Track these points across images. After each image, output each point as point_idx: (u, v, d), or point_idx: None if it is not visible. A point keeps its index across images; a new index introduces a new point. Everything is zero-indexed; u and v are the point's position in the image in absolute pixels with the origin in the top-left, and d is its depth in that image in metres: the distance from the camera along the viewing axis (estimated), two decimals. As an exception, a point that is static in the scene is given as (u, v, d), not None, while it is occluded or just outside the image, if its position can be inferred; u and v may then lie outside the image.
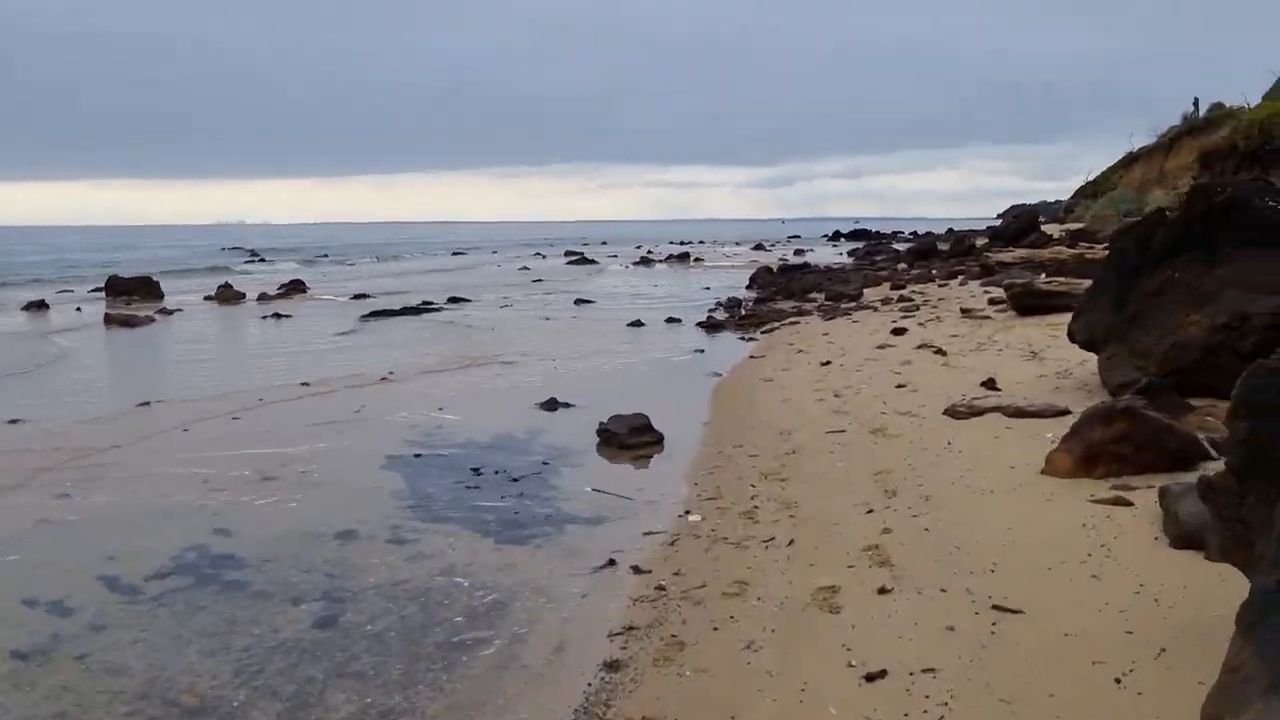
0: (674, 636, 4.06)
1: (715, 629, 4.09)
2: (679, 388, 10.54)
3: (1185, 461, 5.19)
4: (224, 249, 63.34)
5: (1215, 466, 5.33)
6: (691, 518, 5.71)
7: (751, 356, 12.26)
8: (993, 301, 13.93)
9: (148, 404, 9.76)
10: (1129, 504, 4.77)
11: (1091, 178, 46.92)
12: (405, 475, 7.00)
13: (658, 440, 7.80)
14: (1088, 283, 11.50)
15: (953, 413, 7.35)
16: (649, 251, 49.14)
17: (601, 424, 7.97)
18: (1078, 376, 8.00)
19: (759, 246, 56.23)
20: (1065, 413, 6.76)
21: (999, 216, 62.54)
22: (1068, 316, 10.17)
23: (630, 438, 7.72)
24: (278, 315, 19.12)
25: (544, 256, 50.09)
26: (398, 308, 19.83)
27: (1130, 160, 42.33)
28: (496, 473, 7.01)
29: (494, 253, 58.52)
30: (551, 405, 9.42)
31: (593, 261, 42.71)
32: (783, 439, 7.41)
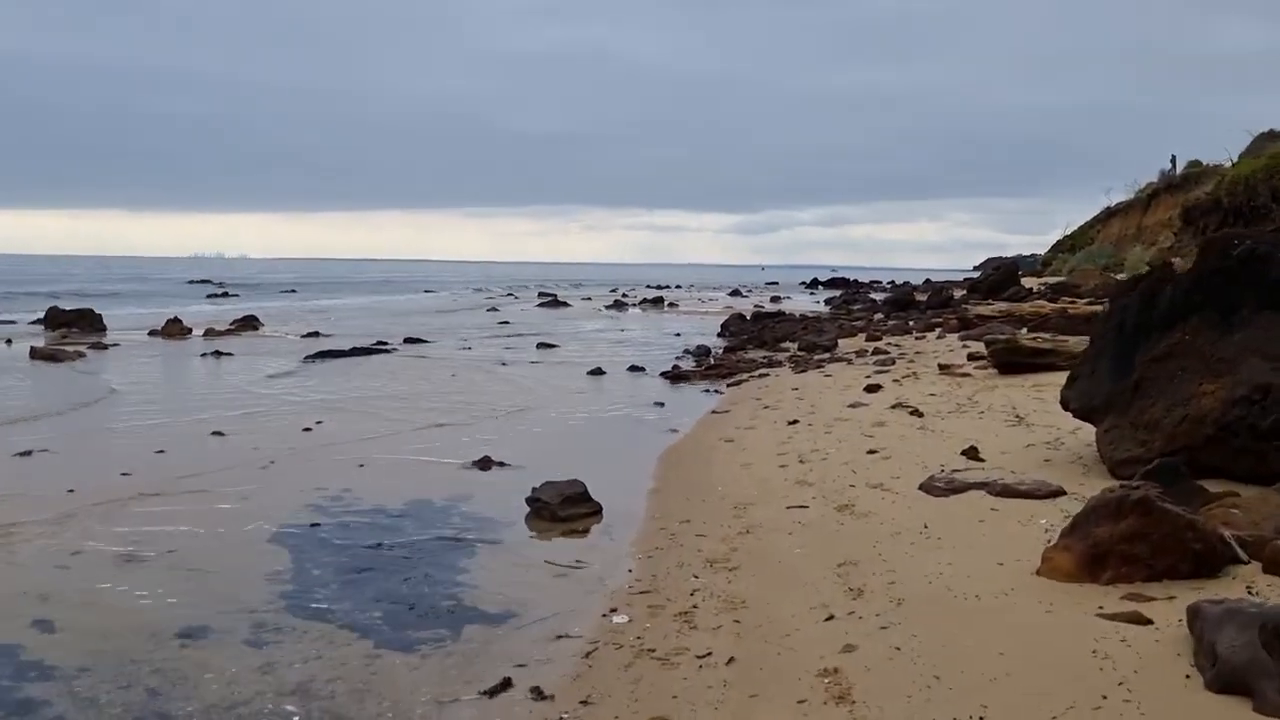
0: (564, 807, 3.08)
1: (620, 795, 3.11)
2: (631, 446, 9.59)
3: (1210, 566, 4.28)
4: (190, 281, 61.92)
5: (1245, 572, 4.46)
6: (617, 619, 4.74)
7: (714, 412, 11.33)
8: (972, 357, 13.09)
9: (29, 454, 8.67)
10: (1148, 621, 3.85)
11: (1069, 232, 46.76)
12: (293, 552, 5.97)
13: (595, 512, 6.84)
14: (1075, 340, 10.70)
15: (930, 488, 6.45)
16: (624, 295, 48.37)
17: (533, 490, 7.00)
18: (1070, 448, 7.12)
19: (736, 292, 55.69)
20: (1060, 493, 5.88)
21: (976, 268, 62.41)
22: (1054, 376, 9.34)
23: (563, 508, 6.74)
24: (218, 353, 18.03)
25: (516, 297, 49.19)
26: (347, 348, 18.78)
27: (1108, 215, 42.26)
28: (402, 549, 6.02)
29: (475, 290, 57.69)
30: (485, 464, 8.44)
31: (565, 304, 41.83)
32: (737, 515, 6.46)
